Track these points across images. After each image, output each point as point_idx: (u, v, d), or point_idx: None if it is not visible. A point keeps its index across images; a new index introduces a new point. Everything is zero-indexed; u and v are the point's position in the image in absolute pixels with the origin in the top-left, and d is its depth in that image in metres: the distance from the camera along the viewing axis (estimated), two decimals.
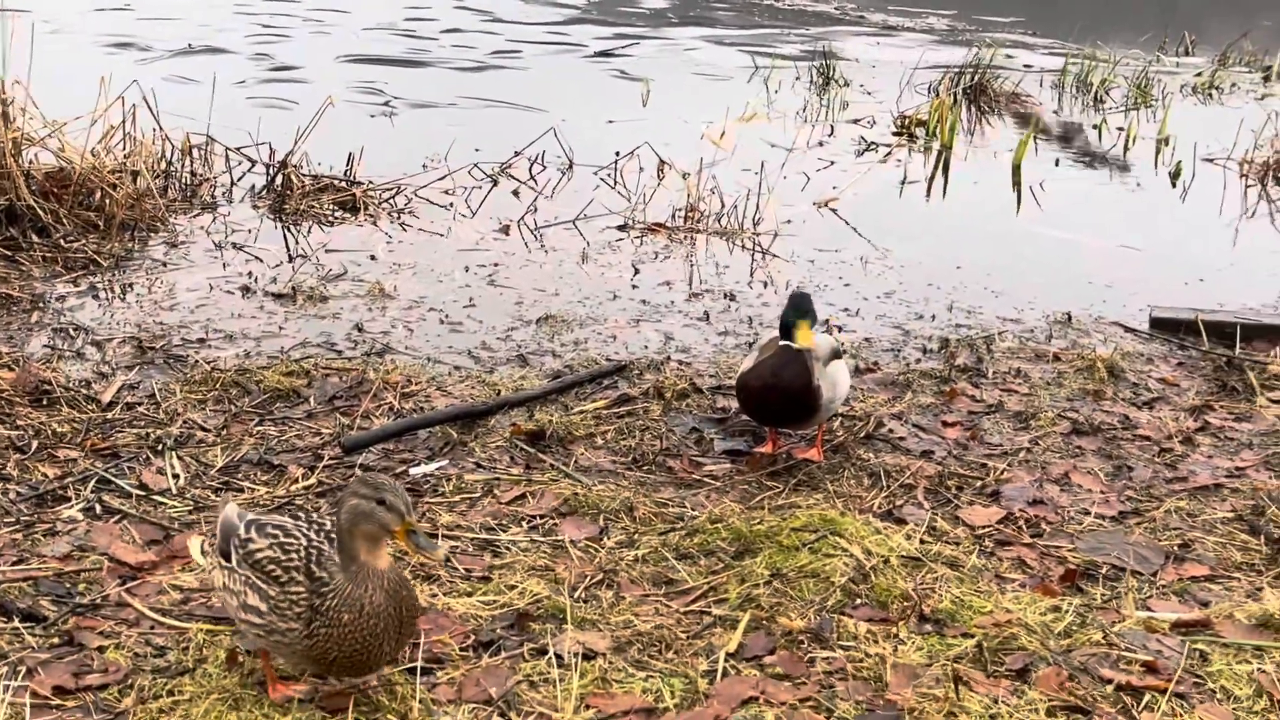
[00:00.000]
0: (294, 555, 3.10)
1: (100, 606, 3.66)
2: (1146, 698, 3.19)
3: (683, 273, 7.22)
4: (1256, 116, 10.44)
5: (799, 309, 4.65)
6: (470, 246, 7.34)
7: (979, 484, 4.82)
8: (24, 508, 4.25)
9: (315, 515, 3.28)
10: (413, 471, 4.73)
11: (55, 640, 3.48)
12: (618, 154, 8.80)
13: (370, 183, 7.92)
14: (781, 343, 4.73)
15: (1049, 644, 3.41)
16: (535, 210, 8.00)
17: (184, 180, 7.85)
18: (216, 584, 3.27)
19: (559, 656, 3.28)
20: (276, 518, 3.30)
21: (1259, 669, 3.32)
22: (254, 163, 8.09)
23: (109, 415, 5.02)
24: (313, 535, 3.15)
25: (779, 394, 4.70)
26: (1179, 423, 5.48)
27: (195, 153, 7.99)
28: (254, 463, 4.72)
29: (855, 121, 10.62)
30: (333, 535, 3.12)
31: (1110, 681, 3.25)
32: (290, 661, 3.21)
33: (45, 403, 5.00)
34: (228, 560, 3.22)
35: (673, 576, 3.94)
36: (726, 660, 3.38)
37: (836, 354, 5.01)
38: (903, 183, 9.21)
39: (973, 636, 3.42)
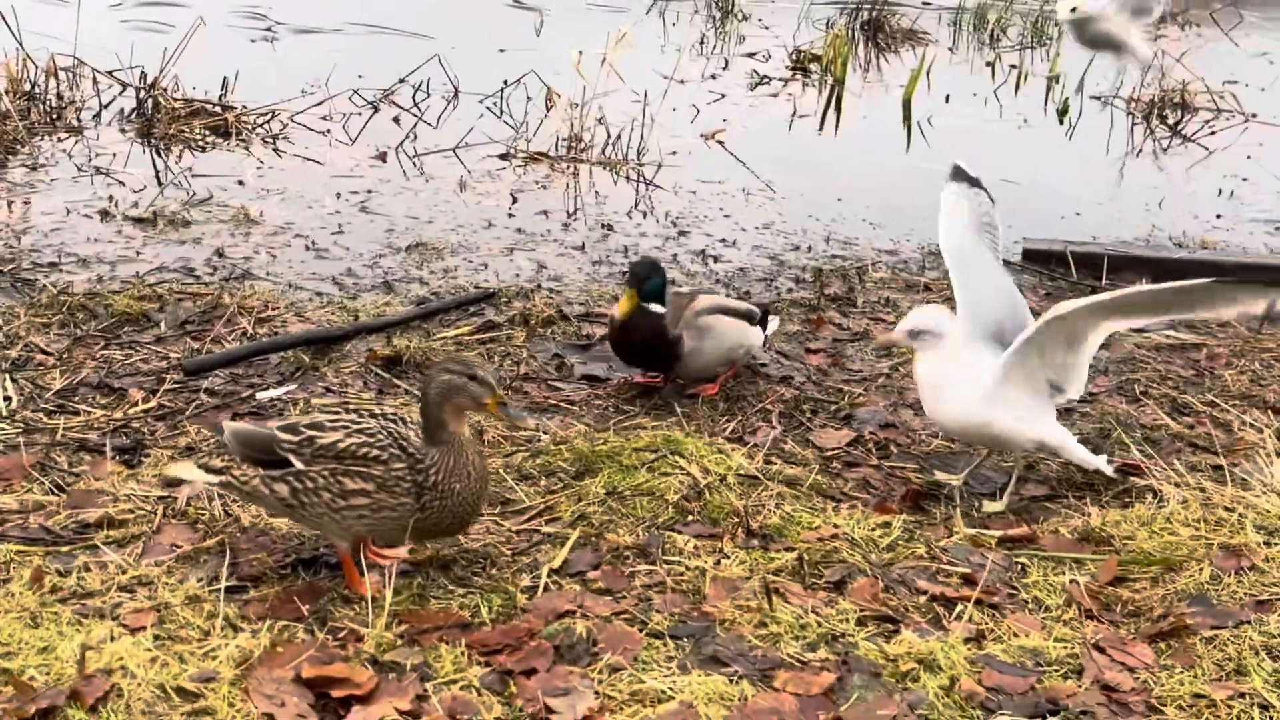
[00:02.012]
0: (380, 437, 3.23)
1: None
2: (959, 608, 3.21)
3: (562, 202, 7.14)
4: (1149, 57, 10.52)
5: (631, 274, 4.72)
6: (344, 173, 7.19)
7: (833, 408, 4.83)
8: None
9: (352, 404, 3.41)
10: (260, 395, 4.63)
11: None
12: (505, 83, 8.66)
13: (244, 107, 7.72)
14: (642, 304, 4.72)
15: (871, 557, 3.42)
16: (415, 138, 7.85)
17: (48, 103, 7.59)
18: (280, 493, 3.25)
19: (369, 569, 3.23)
20: (317, 415, 3.34)
21: (1073, 580, 3.35)
22: (125, 86, 7.85)
23: None
24: (382, 420, 3.29)
25: (629, 345, 4.77)
26: None
27: (62, 75, 7.72)
28: (93, 386, 4.59)
29: (750, 55, 10.55)
30: (392, 417, 3.29)
31: (925, 593, 3.27)
32: (390, 535, 3.32)
33: None
34: (279, 467, 3.25)
35: (510, 496, 3.90)
36: (549, 576, 3.35)
37: (733, 312, 4.94)
38: (793, 117, 9.16)
39: (795, 550, 3.42)
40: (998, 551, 3.57)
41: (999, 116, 9.59)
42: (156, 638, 2.96)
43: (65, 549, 3.45)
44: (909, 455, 4.49)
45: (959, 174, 4.98)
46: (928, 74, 9.92)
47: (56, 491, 3.79)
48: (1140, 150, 9.14)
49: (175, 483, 3.82)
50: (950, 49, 11.30)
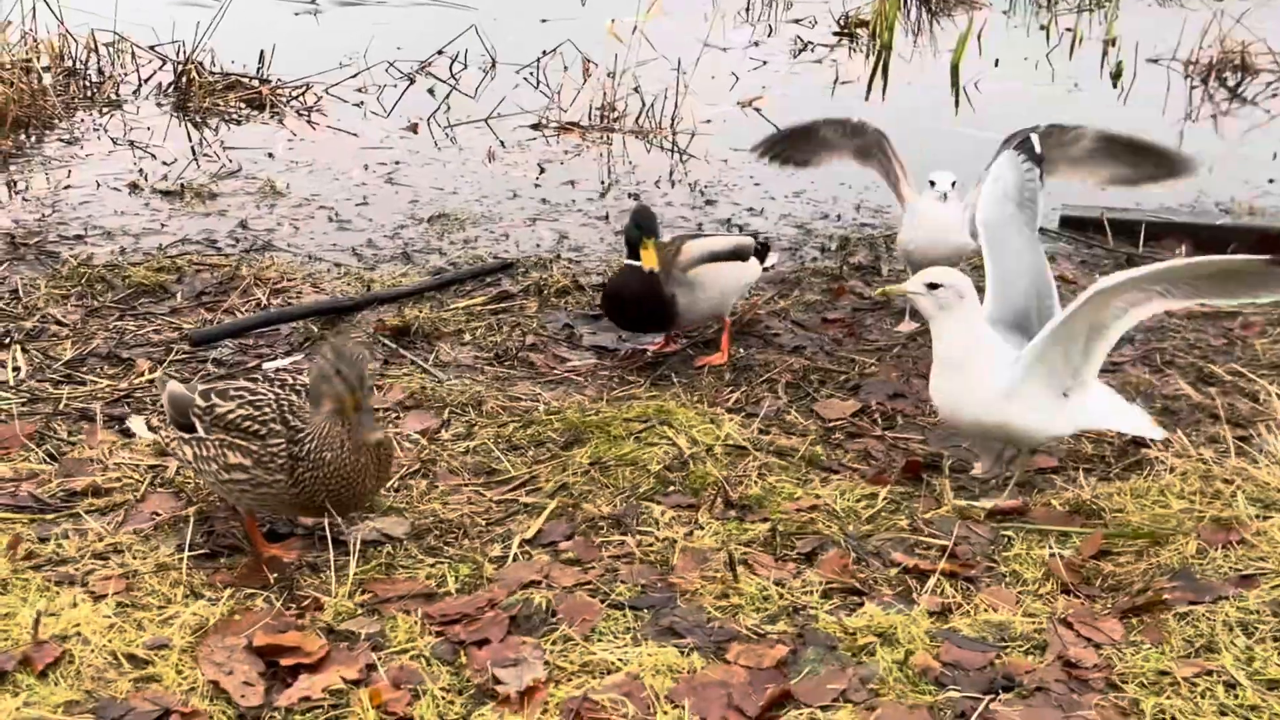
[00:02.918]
0: (267, 410, 3.21)
1: None
2: (932, 581, 3.13)
3: (591, 172, 7.09)
4: (1208, 18, 10.18)
5: (642, 227, 4.58)
6: (374, 145, 7.21)
7: (842, 378, 4.75)
8: None
9: (272, 374, 3.40)
10: (266, 366, 4.66)
11: None
12: (543, 52, 8.62)
13: (279, 80, 7.77)
14: (626, 262, 4.68)
15: (848, 529, 3.35)
16: (449, 109, 7.85)
17: (88, 79, 7.70)
18: (185, 457, 3.34)
19: (339, 542, 3.23)
20: (234, 382, 3.37)
21: (1057, 553, 3.25)
22: (164, 61, 7.93)
23: None
24: (279, 390, 3.27)
25: (624, 310, 4.72)
26: None
27: (102, 50, 7.83)
28: (102, 356, 4.65)
29: (796, 21, 10.39)
30: (298, 389, 3.27)
31: (899, 565, 3.20)
32: (280, 512, 3.34)
33: None
34: (190, 432, 3.30)
35: (496, 467, 3.88)
36: (521, 546, 3.33)
37: (723, 255, 4.88)
38: (836, 83, 9.01)
39: (770, 522, 3.36)
40: (984, 524, 3.48)
41: (1050, 80, 9.34)
42: (119, 605, 2.99)
43: (50, 517, 3.50)
44: (915, 426, 4.39)
45: (1024, 145, 4.57)
46: (979, 38, 9.69)
47: (50, 460, 3.84)
48: (1197, 114, 8.85)
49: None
50: (1005, 12, 11.03)
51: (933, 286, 3.70)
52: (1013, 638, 2.89)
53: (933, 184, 5.20)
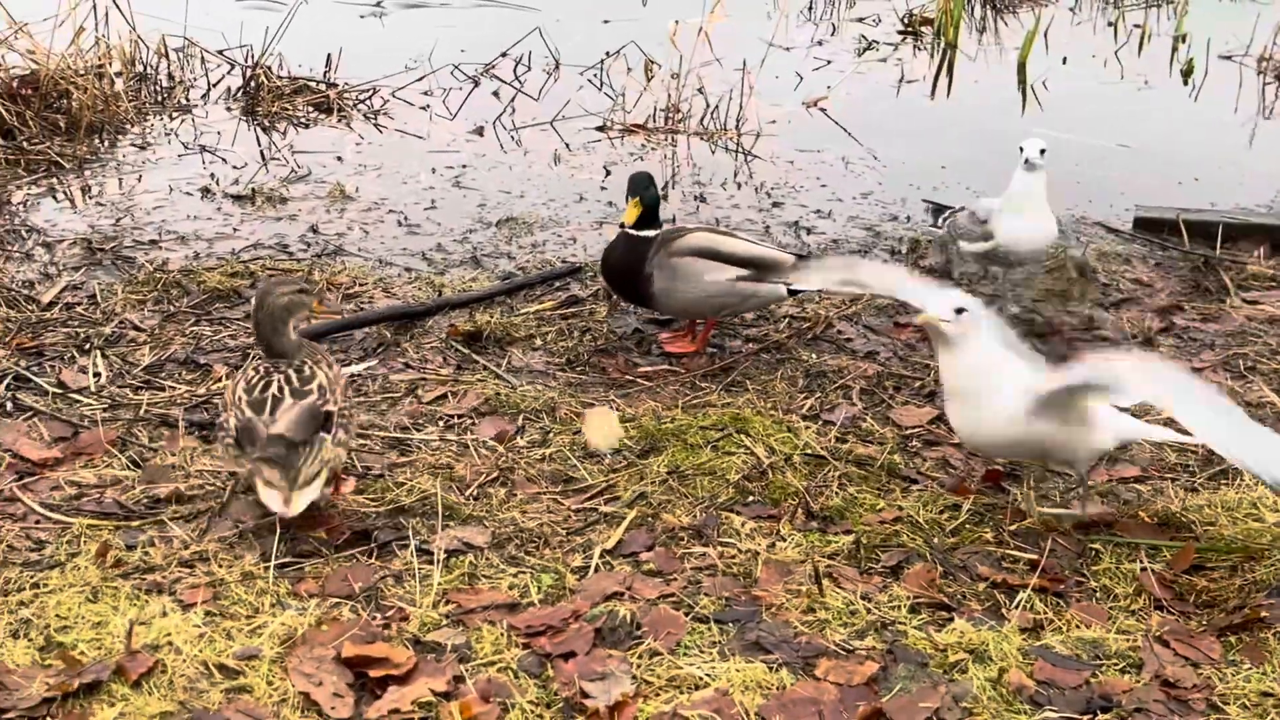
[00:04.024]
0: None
1: None
2: (1021, 596, 3.08)
3: (656, 174, 7.02)
4: None
5: (630, 188, 4.70)
6: (441, 148, 7.23)
7: (917, 384, 4.70)
8: None
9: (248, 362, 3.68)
10: (344, 371, 4.67)
11: None
12: (606, 54, 8.60)
13: (345, 84, 7.81)
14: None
15: (933, 541, 3.31)
16: (514, 111, 7.86)
17: (159, 83, 7.79)
18: (340, 440, 3.52)
19: (423, 551, 3.23)
20: (301, 374, 3.62)
21: (1147, 567, 3.20)
22: (233, 65, 8.00)
23: (46, 315, 5.01)
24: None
25: (608, 270, 4.83)
26: (1143, 323, 5.31)
27: (172, 55, 7.91)
28: (180, 362, 4.69)
29: (860, 20, 10.31)
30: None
31: (986, 579, 3.15)
32: None
33: None
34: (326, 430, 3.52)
35: (573, 475, 3.88)
36: (602, 557, 3.32)
37: (731, 259, 4.76)
38: (900, 82, 8.93)
39: (854, 534, 3.33)
40: (1071, 536, 3.42)
41: (1119, 78, 9.21)
42: (208, 614, 3.00)
43: (135, 524, 3.53)
44: None
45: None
46: (1045, 35, 9.57)
47: (133, 467, 3.88)
48: (1271, 111, 8.69)
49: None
50: (1072, 9, 10.88)
51: (959, 311, 3.44)
52: (1107, 655, 2.84)
53: (1022, 151, 4.91)
